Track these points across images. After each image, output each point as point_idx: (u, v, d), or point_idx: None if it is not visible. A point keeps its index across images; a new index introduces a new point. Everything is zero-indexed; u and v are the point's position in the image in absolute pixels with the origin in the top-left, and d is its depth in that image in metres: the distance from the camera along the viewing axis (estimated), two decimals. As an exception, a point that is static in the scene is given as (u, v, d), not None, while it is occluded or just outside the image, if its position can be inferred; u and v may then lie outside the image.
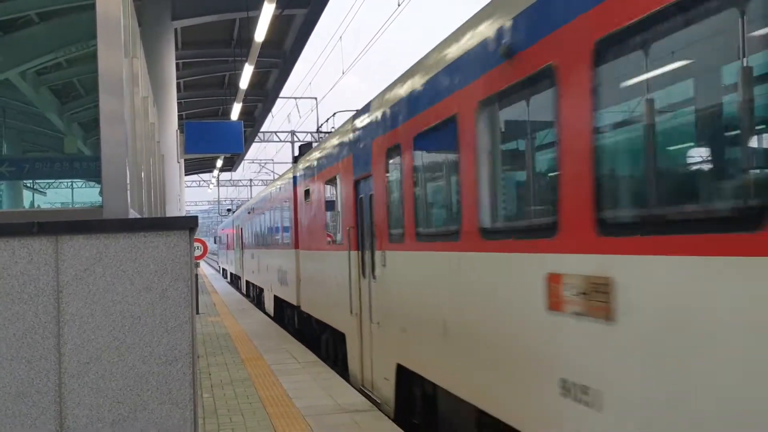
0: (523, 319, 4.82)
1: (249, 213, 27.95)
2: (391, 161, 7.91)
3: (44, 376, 3.45)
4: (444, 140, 6.24)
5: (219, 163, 37.31)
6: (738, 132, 3.23)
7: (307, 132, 39.54)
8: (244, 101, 20.48)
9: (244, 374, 10.43)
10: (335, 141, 11.24)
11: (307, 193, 13.83)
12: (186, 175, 40.04)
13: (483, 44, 5.37)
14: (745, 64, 3.07)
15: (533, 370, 4.70)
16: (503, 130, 5.42)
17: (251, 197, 39.62)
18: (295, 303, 15.40)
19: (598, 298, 3.93)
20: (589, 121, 3.98)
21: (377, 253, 8.51)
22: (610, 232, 3.82)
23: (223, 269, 50.79)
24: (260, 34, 13.40)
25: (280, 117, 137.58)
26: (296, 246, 15.17)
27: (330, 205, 11.70)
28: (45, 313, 3.46)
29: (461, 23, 6.18)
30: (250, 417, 7.85)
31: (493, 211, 5.39)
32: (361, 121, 9.35)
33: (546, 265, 4.48)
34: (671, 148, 3.91)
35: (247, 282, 29.44)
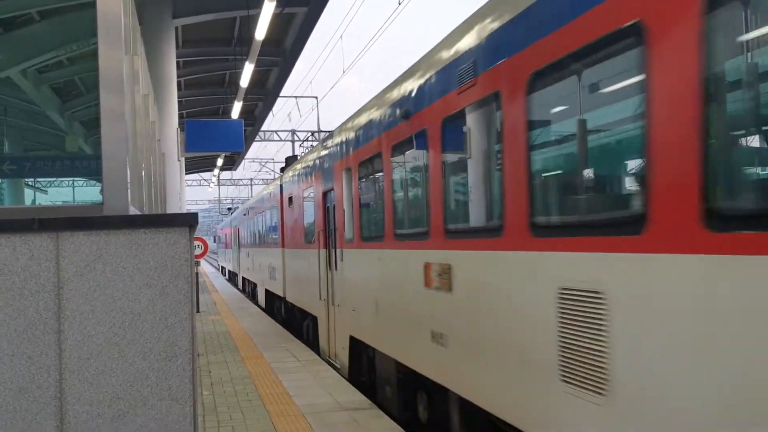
0: (413, 294, 7.17)
1: (245, 215, 29.67)
2: (345, 179, 10.23)
3: (45, 371, 3.46)
4: (376, 169, 8.65)
5: (219, 161, 37.33)
6: (490, 175, 5.62)
7: (308, 131, 39.51)
8: (244, 100, 20.50)
9: (244, 372, 10.46)
10: (310, 159, 13.59)
11: (290, 199, 16.13)
12: (186, 173, 40.04)
13: (394, 105, 7.76)
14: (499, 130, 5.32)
15: (417, 327, 7.01)
16: (405, 168, 7.70)
17: (251, 196, 39.86)
18: (281, 295, 17.53)
19: (445, 277, 6.28)
20: (440, 168, 6.38)
21: (337, 251, 10.78)
22: (450, 236, 6.18)
23: (222, 267, 51.44)
24: (261, 32, 13.42)
25: (280, 116, 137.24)
26: (283, 245, 17.32)
27: (307, 210, 13.98)
28: (46, 309, 3.47)
29: (383, 87, 8.67)
30: (250, 414, 7.87)
31: (400, 221, 7.85)
32: (328, 145, 11.64)
33: (424, 257, 6.81)
34: (458, 189, 6.36)
35: (243, 278, 30.92)
